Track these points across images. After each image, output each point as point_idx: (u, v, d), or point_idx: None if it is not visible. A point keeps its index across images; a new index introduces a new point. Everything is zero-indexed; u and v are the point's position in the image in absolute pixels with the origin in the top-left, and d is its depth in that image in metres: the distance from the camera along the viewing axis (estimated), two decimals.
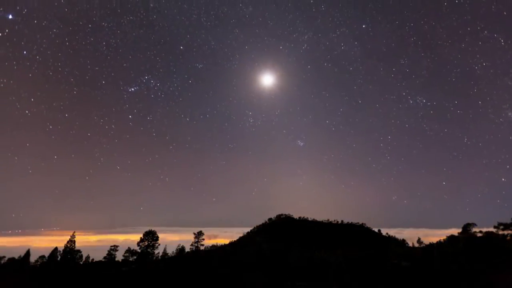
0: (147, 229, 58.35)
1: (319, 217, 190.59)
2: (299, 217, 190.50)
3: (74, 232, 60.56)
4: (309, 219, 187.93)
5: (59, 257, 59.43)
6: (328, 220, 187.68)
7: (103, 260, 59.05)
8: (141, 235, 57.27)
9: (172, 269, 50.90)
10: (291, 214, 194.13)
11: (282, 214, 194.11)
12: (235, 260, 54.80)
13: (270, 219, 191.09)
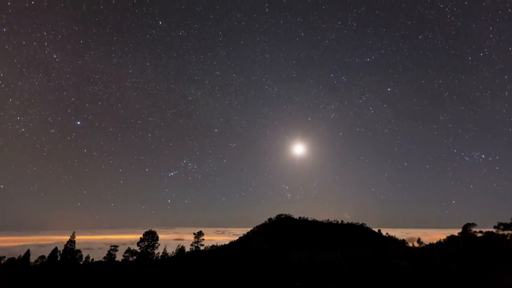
0: (147, 229, 58.40)
1: (319, 217, 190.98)
2: (299, 217, 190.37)
3: (74, 232, 60.70)
4: (309, 219, 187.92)
5: (59, 257, 59.41)
6: (328, 220, 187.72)
7: (103, 260, 58.98)
8: (141, 235, 57.27)
9: (172, 269, 50.86)
10: (291, 214, 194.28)
11: (282, 214, 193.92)
12: (235, 260, 54.74)
13: (270, 219, 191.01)
